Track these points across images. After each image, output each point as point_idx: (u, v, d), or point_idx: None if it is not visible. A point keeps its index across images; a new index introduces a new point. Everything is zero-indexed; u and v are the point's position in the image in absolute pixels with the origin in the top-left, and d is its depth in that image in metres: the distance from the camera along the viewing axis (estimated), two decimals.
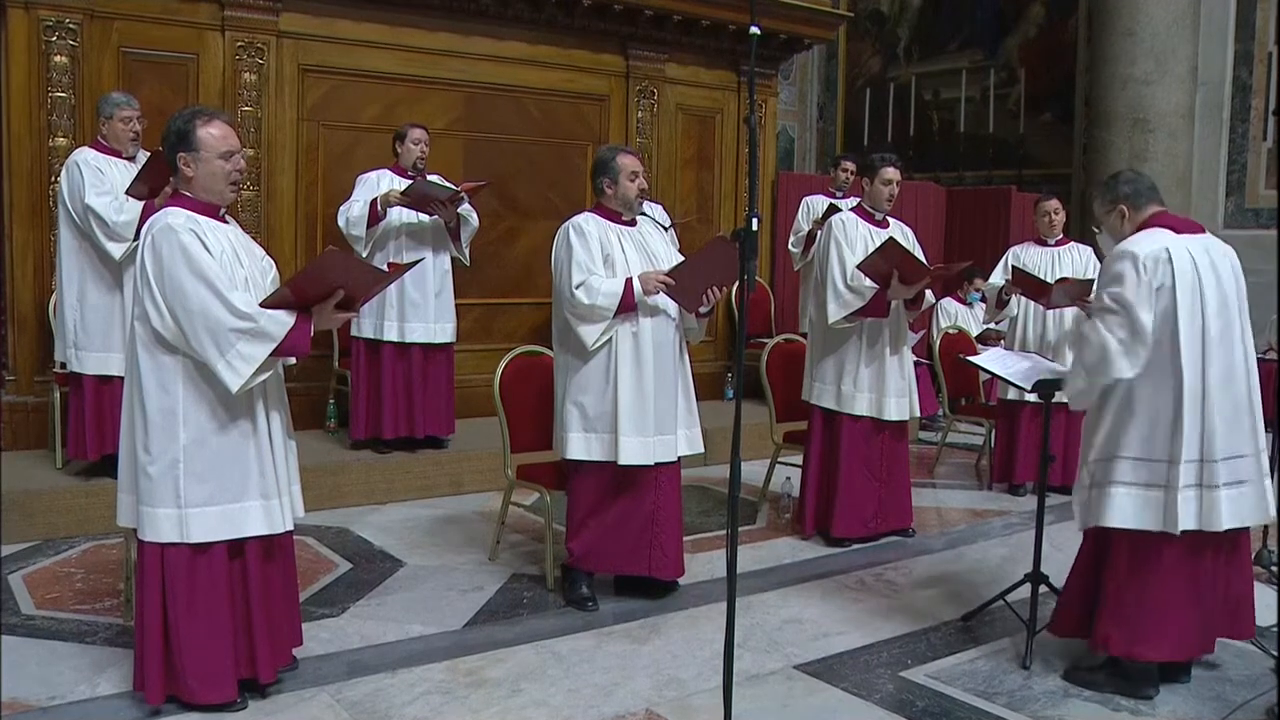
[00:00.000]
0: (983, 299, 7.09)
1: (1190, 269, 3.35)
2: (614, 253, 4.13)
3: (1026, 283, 5.74)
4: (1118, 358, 3.35)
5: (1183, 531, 3.33)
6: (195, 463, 3.05)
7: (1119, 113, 9.05)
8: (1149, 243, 3.39)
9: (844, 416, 5.07)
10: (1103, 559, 3.52)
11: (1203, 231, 3.51)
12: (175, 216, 3.06)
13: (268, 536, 3.20)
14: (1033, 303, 6.03)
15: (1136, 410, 3.39)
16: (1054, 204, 6.35)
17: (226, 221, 3.23)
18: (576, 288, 4.01)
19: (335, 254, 3.16)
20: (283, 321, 3.04)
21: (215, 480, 3.07)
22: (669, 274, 4.08)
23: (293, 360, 3.27)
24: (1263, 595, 4.23)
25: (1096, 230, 3.73)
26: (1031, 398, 5.68)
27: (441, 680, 3.54)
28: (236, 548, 3.16)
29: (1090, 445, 3.53)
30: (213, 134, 3.12)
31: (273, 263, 3.38)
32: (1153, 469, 3.36)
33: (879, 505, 5.18)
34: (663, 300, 4.14)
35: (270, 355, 3.03)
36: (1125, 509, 3.39)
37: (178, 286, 2.98)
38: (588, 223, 4.16)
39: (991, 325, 7.34)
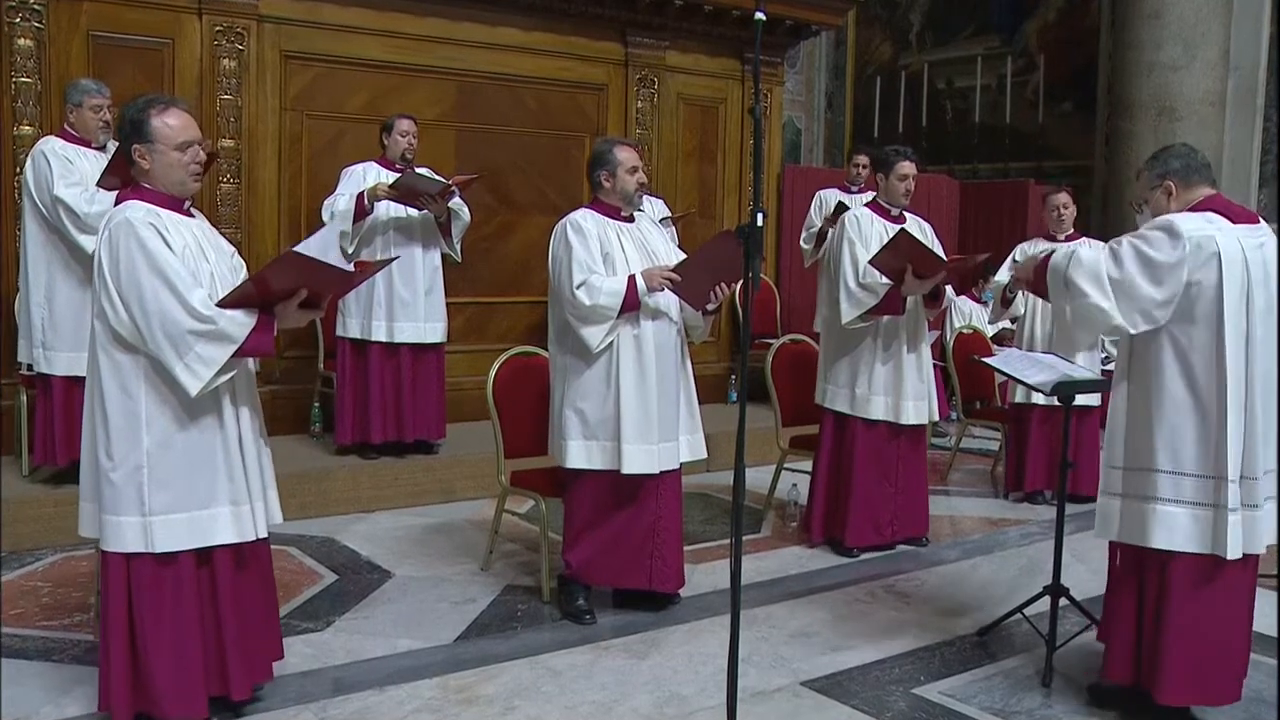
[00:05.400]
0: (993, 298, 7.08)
1: (1240, 264, 3.19)
2: (613, 251, 4.13)
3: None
4: (1097, 288, 3.24)
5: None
6: (160, 468, 3.03)
7: (1144, 101, 9.02)
8: (1197, 226, 3.21)
9: (858, 421, 5.06)
10: (1150, 588, 3.35)
11: (1258, 221, 3.34)
12: (134, 210, 3.03)
13: (239, 545, 3.18)
14: (1041, 300, 6.02)
15: (1179, 419, 3.24)
16: (1063, 197, 6.37)
17: (191, 215, 3.20)
18: (577, 288, 4.01)
19: (297, 255, 3.11)
20: (243, 322, 3.01)
21: (181, 486, 3.05)
22: (674, 269, 4.08)
23: (257, 364, 3.26)
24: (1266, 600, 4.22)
25: (1138, 210, 3.63)
26: (1040, 400, 5.70)
27: (431, 698, 3.52)
28: (205, 557, 3.14)
29: (1119, 449, 3.38)
30: (169, 124, 3.08)
31: (243, 261, 3.35)
32: (1200, 485, 3.22)
33: (893, 512, 5.18)
34: (664, 301, 4.14)
35: (232, 357, 3.02)
36: (1173, 529, 3.23)
37: (134, 284, 2.95)
38: (586, 220, 4.15)
39: (1007, 324, 7.33)
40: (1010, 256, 6.33)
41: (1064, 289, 3.39)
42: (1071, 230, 6.36)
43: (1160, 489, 3.26)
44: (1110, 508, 3.41)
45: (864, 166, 7.94)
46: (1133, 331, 3.28)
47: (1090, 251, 3.39)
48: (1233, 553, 3.18)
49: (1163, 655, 3.29)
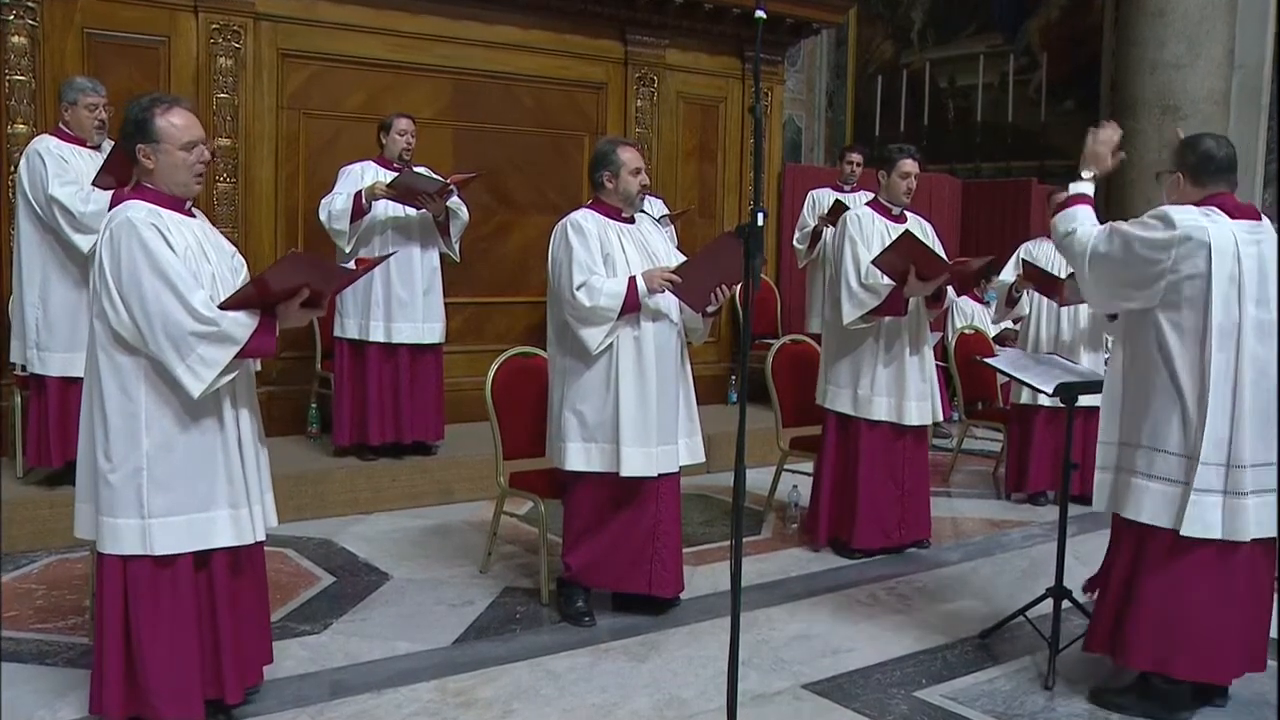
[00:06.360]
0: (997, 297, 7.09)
1: (1232, 255, 3.30)
2: (614, 251, 4.13)
3: (1037, 278, 5.76)
4: (1086, 257, 3.50)
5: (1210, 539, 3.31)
6: (159, 470, 3.03)
7: (1147, 99, 9.02)
8: (1191, 218, 3.33)
9: (861, 422, 5.06)
10: (1135, 565, 3.49)
11: (1259, 219, 3.44)
12: (136, 210, 3.03)
13: (236, 548, 3.19)
14: (1045, 300, 6.04)
15: (1162, 399, 3.37)
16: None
17: (193, 215, 3.21)
18: (577, 289, 4.01)
19: (300, 254, 3.15)
20: (245, 323, 3.03)
21: (181, 488, 3.06)
22: (675, 271, 4.09)
23: (258, 365, 3.27)
24: None
25: (1159, 177, 3.71)
26: (1045, 400, 5.70)
27: (430, 700, 3.53)
28: (202, 559, 3.14)
29: (1111, 424, 3.54)
30: (173, 124, 3.09)
31: (244, 261, 3.37)
32: (1171, 462, 3.35)
33: (900, 515, 5.18)
34: (665, 303, 4.14)
35: (234, 358, 3.03)
36: (1143, 502, 3.40)
37: (136, 285, 2.95)
38: (586, 220, 4.15)
39: (1009, 325, 7.34)
40: (1015, 256, 6.34)
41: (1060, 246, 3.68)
42: None
43: (1137, 463, 3.44)
44: (1104, 481, 3.58)
45: (857, 164, 7.96)
46: (1100, 311, 3.52)
47: (1088, 228, 3.58)
48: (1187, 529, 3.30)
49: (1127, 621, 3.46)
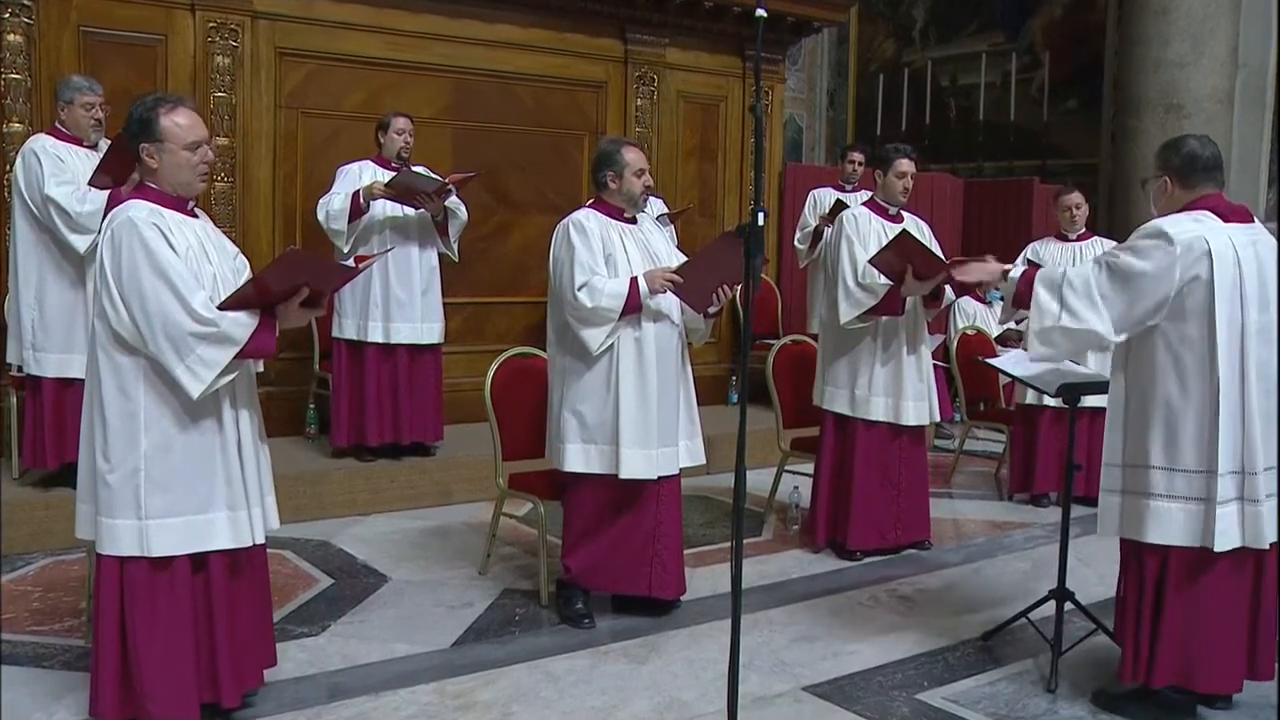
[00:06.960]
0: (1003, 298, 7.08)
1: (1232, 261, 3.26)
2: (615, 251, 4.13)
3: None
4: (1091, 310, 3.35)
5: (1230, 549, 3.28)
6: (157, 471, 3.04)
7: (1151, 98, 9.01)
8: (1186, 227, 3.30)
9: (858, 422, 5.06)
10: (1160, 588, 3.42)
11: (1252, 221, 3.42)
12: (138, 210, 3.04)
13: (235, 550, 3.19)
14: None
15: (1172, 415, 3.31)
16: (1076, 197, 6.37)
17: (195, 215, 3.22)
18: (579, 289, 4.01)
19: (298, 252, 3.15)
20: (245, 324, 3.03)
21: (179, 489, 3.06)
22: (676, 271, 4.09)
23: (260, 366, 3.27)
24: None
25: (1145, 188, 3.68)
26: (1051, 401, 5.71)
27: (428, 703, 3.53)
28: (201, 561, 3.15)
29: (1117, 446, 3.47)
30: (178, 123, 3.10)
31: (246, 262, 3.37)
32: (1191, 480, 3.29)
33: (897, 516, 5.18)
34: (666, 304, 4.14)
35: (234, 359, 3.03)
36: (1167, 524, 3.31)
37: (136, 285, 2.96)
38: (588, 220, 4.16)
39: (1012, 325, 7.34)
40: (1022, 255, 6.33)
41: (1056, 310, 3.47)
42: (1083, 230, 6.37)
43: (1154, 485, 3.35)
44: (1111, 504, 3.49)
45: (858, 164, 7.95)
46: (1120, 341, 3.38)
47: (1081, 269, 3.47)
48: (1219, 545, 3.25)
49: (1158, 642, 3.39)
